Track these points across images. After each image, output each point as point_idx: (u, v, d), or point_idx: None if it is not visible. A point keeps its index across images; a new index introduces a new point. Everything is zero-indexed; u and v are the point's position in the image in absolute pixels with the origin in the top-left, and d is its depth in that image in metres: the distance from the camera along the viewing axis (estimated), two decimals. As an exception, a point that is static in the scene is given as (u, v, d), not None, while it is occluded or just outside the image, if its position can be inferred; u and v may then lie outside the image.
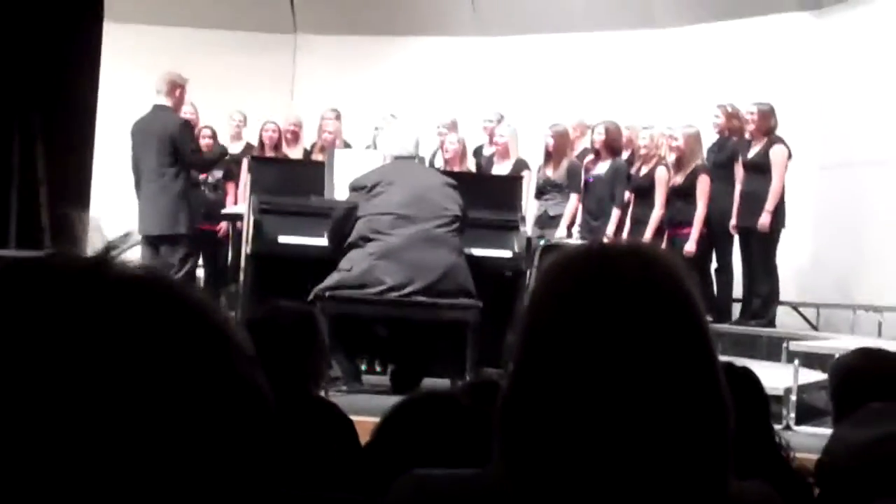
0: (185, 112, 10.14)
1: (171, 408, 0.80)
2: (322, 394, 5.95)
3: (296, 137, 11.95)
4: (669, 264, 1.52)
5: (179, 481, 0.79)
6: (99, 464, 0.77)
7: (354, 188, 8.03)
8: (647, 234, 10.46)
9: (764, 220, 10.28)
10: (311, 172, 9.15)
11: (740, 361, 3.92)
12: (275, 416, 0.87)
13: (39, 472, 0.77)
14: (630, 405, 1.41)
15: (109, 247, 0.86)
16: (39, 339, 0.80)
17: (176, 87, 9.76)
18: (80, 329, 0.80)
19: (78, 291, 0.82)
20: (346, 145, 11.55)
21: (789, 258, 10.89)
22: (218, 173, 11.51)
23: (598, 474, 1.41)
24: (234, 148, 12.01)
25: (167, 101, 9.69)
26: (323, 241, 8.19)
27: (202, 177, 10.97)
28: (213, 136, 11.64)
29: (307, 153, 11.84)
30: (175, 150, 9.50)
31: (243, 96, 13.04)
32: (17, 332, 0.80)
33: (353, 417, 4.00)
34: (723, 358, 3.35)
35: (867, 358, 3.88)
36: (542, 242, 9.99)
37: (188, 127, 9.85)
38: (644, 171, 10.91)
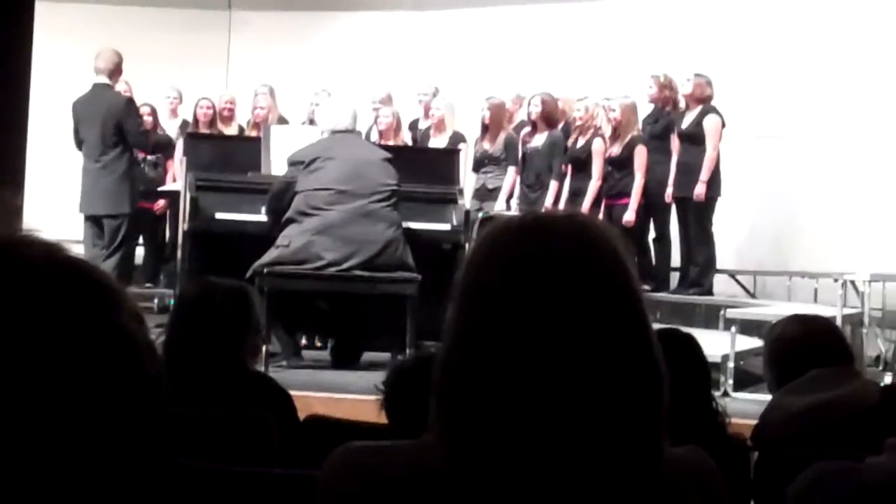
0: (120, 90, 10.04)
1: (49, 357, 0.79)
2: (262, 369, 5.95)
3: (231, 115, 11.90)
4: (602, 232, 1.53)
5: (61, 431, 0.79)
6: None
7: (292, 163, 8.00)
8: (585, 206, 10.50)
9: (699, 189, 10.35)
10: (246, 148, 9.11)
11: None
12: (161, 373, 0.87)
13: None
14: (564, 374, 1.42)
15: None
16: None
17: (116, 66, 9.67)
18: None
19: None
20: (282, 121, 11.51)
21: (726, 227, 10.97)
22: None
23: (532, 442, 1.42)
24: (170, 125, 11.93)
25: (108, 80, 9.59)
26: (260, 218, 8.16)
27: (141, 155, 10.90)
28: (153, 113, 11.56)
29: (242, 130, 11.79)
30: (120, 129, 9.41)
31: (178, 73, 12.94)
32: None
33: (294, 392, 4.01)
34: (662, 326, 3.38)
35: (801, 325, 3.91)
36: (480, 215, 10.01)
37: (132, 105, 9.76)
38: (581, 142, 10.94)
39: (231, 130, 11.74)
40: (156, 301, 10.54)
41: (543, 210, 10.00)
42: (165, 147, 11.40)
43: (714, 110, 10.52)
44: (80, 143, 9.57)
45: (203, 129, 11.38)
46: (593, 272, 1.47)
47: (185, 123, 11.82)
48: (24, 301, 0.80)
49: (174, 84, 12.31)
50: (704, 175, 10.35)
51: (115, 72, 9.66)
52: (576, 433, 1.42)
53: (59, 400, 0.79)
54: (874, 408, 3.33)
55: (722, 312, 8.88)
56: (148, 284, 11.12)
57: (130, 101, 9.79)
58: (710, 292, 10.75)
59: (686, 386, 3.28)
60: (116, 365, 0.82)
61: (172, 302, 9.18)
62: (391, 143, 10.58)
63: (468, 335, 1.48)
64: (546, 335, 1.43)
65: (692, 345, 3.63)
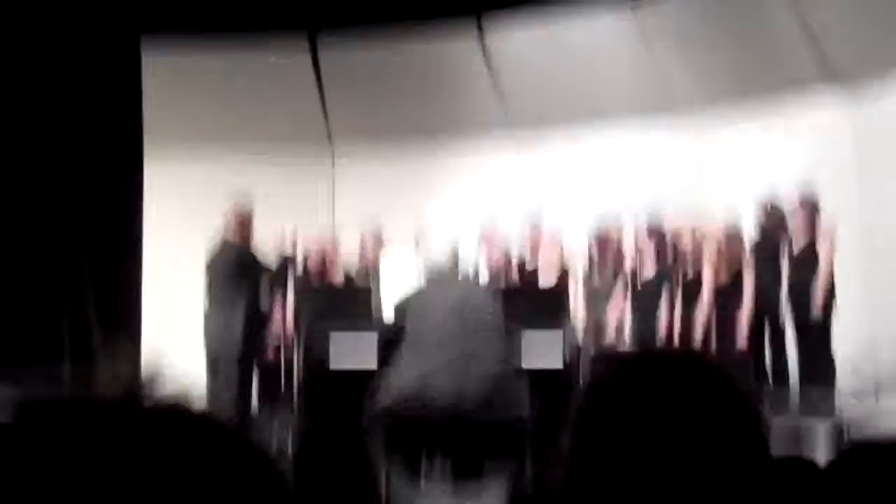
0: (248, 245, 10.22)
1: None
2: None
3: (335, 261, 12.01)
4: (720, 371, 1.52)
5: None
6: None
7: (397, 310, 8.05)
8: (697, 335, 10.38)
9: (817, 310, 10.20)
10: (356, 296, 9.19)
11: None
12: None
13: None
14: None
15: (140, 384, 0.87)
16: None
17: (239, 220, 9.93)
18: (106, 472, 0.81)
19: (101, 439, 0.83)
20: (389, 261, 11.58)
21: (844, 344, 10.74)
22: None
23: None
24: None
25: (233, 236, 9.86)
26: (373, 365, 8.19)
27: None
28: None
29: (348, 277, 11.86)
30: (242, 279, 9.63)
31: (284, 221, 13.08)
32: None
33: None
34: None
35: None
36: (592, 351, 9.95)
37: (250, 256, 9.97)
38: (689, 272, 10.86)
39: (338, 277, 11.84)
40: (273, 446, 10.56)
41: (656, 342, 9.93)
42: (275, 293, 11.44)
43: (827, 232, 10.43)
44: (207, 297, 9.81)
45: (314, 280, 11.48)
46: (714, 413, 1.46)
47: (285, 278, 11.95)
48: (181, 471, 0.82)
49: (279, 232, 12.46)
50: (820, 298, 10.21)
51: (238, 225, 9.92)
52: None
53: None
54: None
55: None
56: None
57: (248, 253, 10.00)
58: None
59: None
60: None
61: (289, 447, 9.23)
62: (500, 279, 10.61)
63: (586, 479, 1.48)
64: (666, 474, 1.42)
65: None
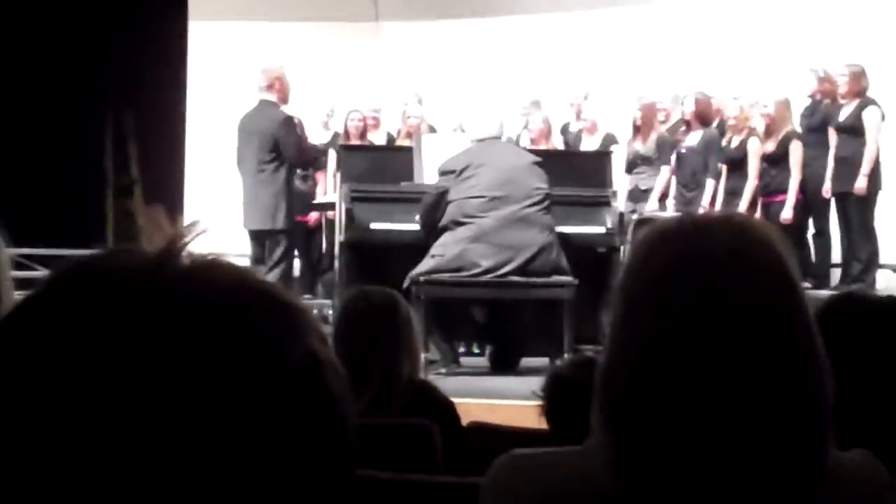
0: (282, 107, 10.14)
1: (242, 383, 0.79)
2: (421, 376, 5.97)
3: (377, 123, 12.02)
4: (763, 233, 1.52)
5: (257, 452, 0.78)
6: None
7: (443, 172, 8.04)
8: (743, 205, 10.35)
9: (861, 183, 10.12)
10: (398, 158, 9.16)
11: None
12: (346, 394, 0.86)
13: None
14: (727, 376, 1.41)
15: (174, 240, 0.84)
16: (83, 357, 0.78)
17: (274, 80, 9.80)
18: (131, 345, 0.78)
19: (133, 298, 0.80)
20: (432, 130, 11.57)
21: (888, 221, 10.70)
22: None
23: (695, 447, 1.41)
24: (322, 137, 12.06)
25: (271, 96, 9.74)
26: (415, 227, 8.20)
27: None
28: (301, 126, 11.69)
29: (391, 139, 11.88)
30: (277, 146, 9.55)
31: (328, 85, 13.09)
32: (61, 352, 0.78)
33: (455, 399, 4.02)
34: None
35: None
36: (634, 217, 9.92)
37: (291, 122, 9.85)
38: (736, 141, 10.79)
39: (379, 140, 11.85)
40: (315, 312, 10.66)
41: (700, 210, 9.91)
42: (317, 160, 11.50)
43: (873, 102, 10.29)
44: (240, 159, 9.72)
45: (354, 141, 11.49)
46: (755, 273, 1.46)
47: (335, 136, 11.95)
48: (218, 326, 0.80)
49: (325, 97, 12.45)
50: (866, 168, 10.12)
51: (271, 85, 9.77)
52: (737, 436, 1.41)
53: (249, 426, 0.79)
54: None
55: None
56: (307, 296, 11.26)
57: (289, 118, 9.89)
58: (872, 288, 10.50)
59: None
60: (306, 387, 0.82)
61: (331, 312, 9.29)
62: (543, 147, 10.57)
63: (630, 343, 1.48)
64: (708, 338, 1.42)
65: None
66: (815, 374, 1.45)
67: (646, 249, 1.52)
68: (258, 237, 9.68)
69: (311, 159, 10.88)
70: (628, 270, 1.53)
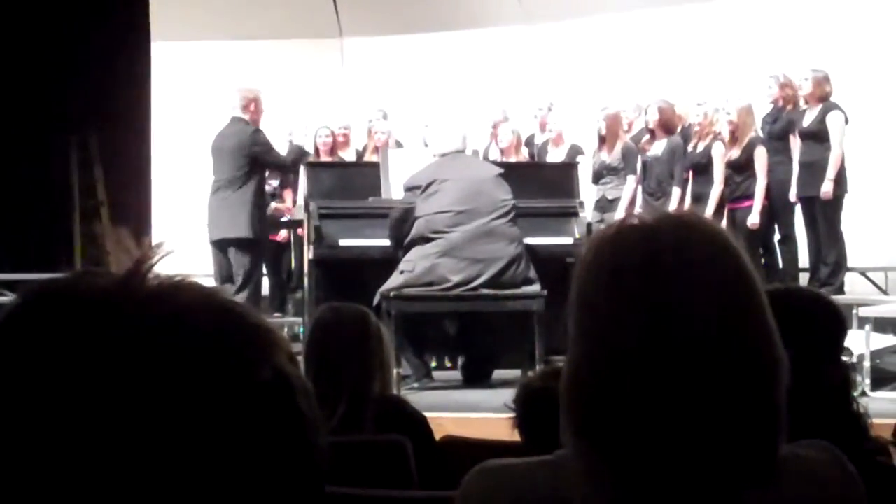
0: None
1: (210, 404, 0.79)
2: (394, 391, 5.97)
3: (346, 140, 12.02)
4: (709, 228, 1.52)
5: (228, 470, 0.79)
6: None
7: (409, 188, 8.05)
8: (708, 210, 10.37)
9: (827, 188, 10.16)
10: (365, 174, 9.17)
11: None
12: (317, 413, 0.86)
13: None
14: (684, 375, 1.42)
15: (140, 261, 0.84)
16: (52, 375, 0.78)
17: (249, 101, 9.87)
18: (99, 366, 0.78)
19: (100, 320, 0.80)
20: (398, 145, 11.58)
21: (854, 224, 10.76)
22: (274, 182, 11.56)
23: (656, 442, 1.42)
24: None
25: (243, 115, 9.80)
26: (384, 242, 8.20)
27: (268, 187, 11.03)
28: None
29: (359, 155, 11.88)
30: (251, 158, 9.59)
31: (294, 103, 13.08)
32: (33, 371, 0.79)
33: (428, 414, 4.01)
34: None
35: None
36: (602, 226, 9.94)
37: (259, 132, 9.91)
38: (700, 147, 10.83)
39: (348, 157, 11.85)
40: (285, 331, 10.64)
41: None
42: (301, 159, 11.36)
43: (836, 107, 10.34)
44: (214, 177, 9.76)
45: (323, 157, 11.49)
46: (701, 271, 1.46)
47: (303, 152, 11.94)
48: (185, 347, 0.80)
49: (290, 114, 12.45)
50: (831, 173, 10.17)
51: (246, 105, 9.84)
52: (695, 435, 1.41)
53: (217, 445, 0.79)
54: None
55: (855, 311, 8.70)
56: (277, 314, 11.24)
57: (258, 129, 9.94)
58: (841, 291, 10.55)
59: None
60: (274, 406, 0.82)
61: (302, 330, 9.28)
62: (512, 159, 10.60)
63: (584, 350, 1.48)
64: (661, 341, 1.42)
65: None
66: (770, 368, 1.46)
67: (589, 257, 1.52)
68: (221, 246, 9.67)
69: (288, 164, 10.91)
70: (576, 279, 1.53)
